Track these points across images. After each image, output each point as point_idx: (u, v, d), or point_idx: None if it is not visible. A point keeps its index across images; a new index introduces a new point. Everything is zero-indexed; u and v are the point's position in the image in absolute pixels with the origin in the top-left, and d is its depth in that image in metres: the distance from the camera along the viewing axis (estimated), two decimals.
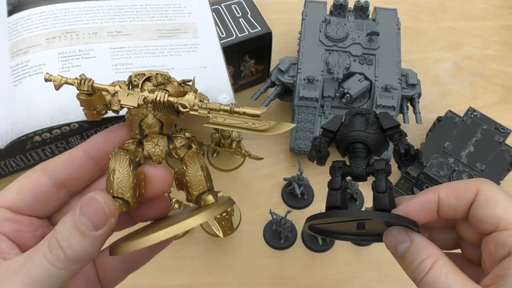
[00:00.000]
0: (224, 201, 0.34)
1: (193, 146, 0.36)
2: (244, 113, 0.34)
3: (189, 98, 0.34)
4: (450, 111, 0.65)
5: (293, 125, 0.34)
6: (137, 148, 0.33)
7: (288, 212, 0.57)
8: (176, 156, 0.34)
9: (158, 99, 0.32)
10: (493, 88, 0.74)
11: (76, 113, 0.50)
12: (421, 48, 0.78)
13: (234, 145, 0.61)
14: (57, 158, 0.32)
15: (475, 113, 0.63)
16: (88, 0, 0.58)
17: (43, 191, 0.30)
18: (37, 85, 0.51)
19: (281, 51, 0.73)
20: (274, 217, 0.56)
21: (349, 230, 0.36)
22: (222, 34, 0.62)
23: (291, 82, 0.63)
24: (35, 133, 0.57)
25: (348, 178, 0.37)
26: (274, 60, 0.67)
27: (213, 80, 0.56)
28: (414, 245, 0.32)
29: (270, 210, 0.57)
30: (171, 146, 0.34)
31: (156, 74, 0.34)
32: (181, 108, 0.33)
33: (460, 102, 0.72)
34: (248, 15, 0.64)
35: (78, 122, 0.59)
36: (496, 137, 0.61)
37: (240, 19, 0.64)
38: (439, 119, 0.64)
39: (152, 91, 0.32)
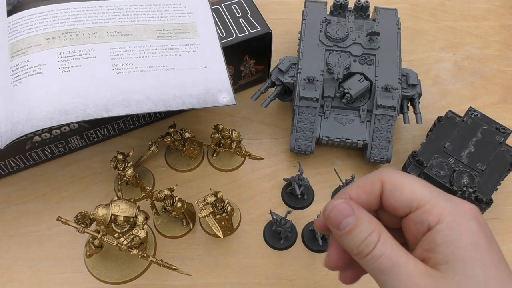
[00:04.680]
0: None
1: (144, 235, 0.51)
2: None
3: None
4: (450, 111, 0.65)
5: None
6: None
7: (288, 212, 0.57)
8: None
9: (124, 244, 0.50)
10: (493, 88, 0.74)
11: (76, 113, 0.50)
12: (421, 48, 0.78)
13: (234, 145, 0.61)
14: None
15: (475, 113, 0.63)
16: (88, 0, 0.58)
17: None
18: (37, 86, 0.51)
19: (281, 51, 0.73)
20: (274, 217, 0.56)
21: None
22: (222, 34, 0.62)
23: (291, 82, 0.63)
24: (35, 133, 0.57)
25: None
26: (274, 60, 0.67)
27: (213, 80, 0.56)
28: (358, 218, 0.32)
29: (270, 210, 0.56)
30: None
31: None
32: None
33: (460, 102, 0.72)
34: (248, 15, 0.64)
35: (77, 122, 0.59)
36: (497, 137, 0.61)
37: (240, 19, 0.64)
38: (439, 119, 0.64)
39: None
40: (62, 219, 0.48)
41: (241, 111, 0.69)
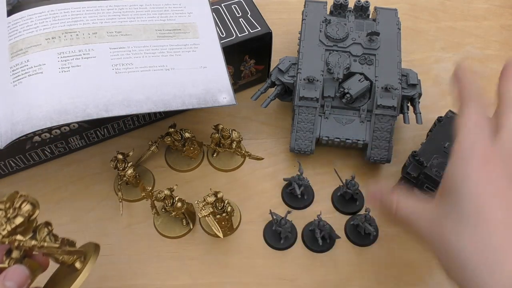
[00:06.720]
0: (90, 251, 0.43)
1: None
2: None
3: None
4: (450, 111, 0.65)
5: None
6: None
7: (288, 212, 0.57)
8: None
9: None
10: (493, 88, 0.74)
11: (75, 113, 0.50)
12: (422, 48, 0.78)
13: (234, 145, 0.61)
14: None
15: None
16: (88, 0, 0.58)
17: None
18: (37, 85, 0.51)
19: (281, 51, 0.73)
20: (274, 217, 0.56)
21: None
22: (222, 34, 0.62)
23: (291, 82, 0.63)
24: (34, 133, 0.57)
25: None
26: (274, 60, 0.67)
27: (213, 80, 0.56)
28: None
29: (270, 210, 0.57)
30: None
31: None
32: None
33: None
34: (248, 15, 0.64)
35: (77, 122, 0.59)
36: None
37: (240, 19, 0.64)
38: (439, 119, 0.63)
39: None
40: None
41: (241, 111, 0.69)
